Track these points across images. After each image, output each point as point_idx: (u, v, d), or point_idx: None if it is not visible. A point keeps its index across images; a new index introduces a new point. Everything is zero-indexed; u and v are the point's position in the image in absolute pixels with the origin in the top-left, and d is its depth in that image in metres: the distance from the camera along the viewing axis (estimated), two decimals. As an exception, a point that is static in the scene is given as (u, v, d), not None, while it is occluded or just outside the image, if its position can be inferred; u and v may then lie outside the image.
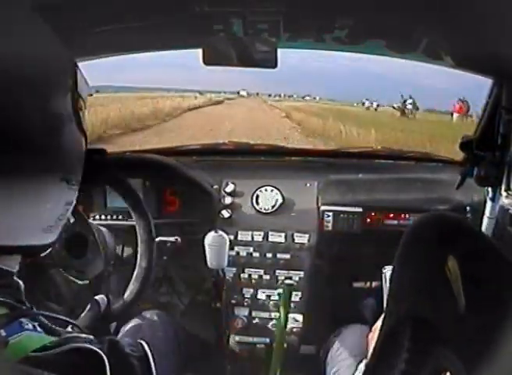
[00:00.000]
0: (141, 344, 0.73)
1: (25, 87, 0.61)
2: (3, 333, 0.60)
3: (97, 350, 0.63)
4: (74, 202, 0.77)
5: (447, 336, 0.69)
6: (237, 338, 1.87)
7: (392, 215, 1.85)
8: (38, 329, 0.66)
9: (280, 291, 1.60)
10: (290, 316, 1.71)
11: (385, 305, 1.46)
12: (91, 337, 0.69)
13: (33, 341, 0.61)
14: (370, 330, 1.55)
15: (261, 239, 1.84)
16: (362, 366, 1.35)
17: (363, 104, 19.99)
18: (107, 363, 0.62)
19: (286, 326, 1.65)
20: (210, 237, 1.59)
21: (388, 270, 1.51)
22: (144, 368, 0.70)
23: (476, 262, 0.70)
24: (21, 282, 0.75)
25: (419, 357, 0.75)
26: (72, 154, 0.72)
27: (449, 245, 0.72)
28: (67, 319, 0.77)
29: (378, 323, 1.40)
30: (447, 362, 0.70)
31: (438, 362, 0.73)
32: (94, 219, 1.55)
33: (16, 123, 0.61)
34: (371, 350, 1.38)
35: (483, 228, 1.58)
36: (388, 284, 1.46)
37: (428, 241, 0.78)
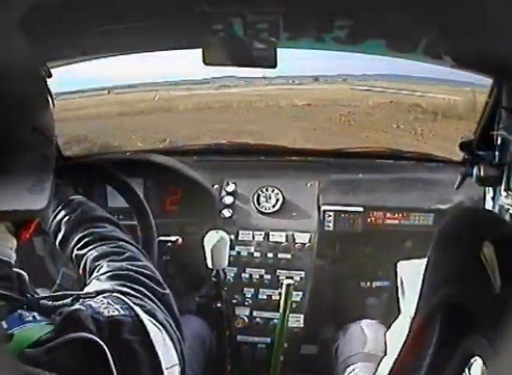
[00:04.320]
0: (140, 320, 0.69)
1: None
2: (5, 325, 0.59)
3: (97, 339, 0.61)
4: (54, 159, 0.76)
5: (479, 321, 0.72)
6: (238, 338, 1.87)
7: (393, 214, 1.86)
8: (38, 318, 0.64)
9: (281, 290, 1.60)
10: (291, 315, 1.71)
11: (400, 299, 1.48)
12: (90, 324, 0.64)
13: (33, 332, 0.60)
14: (378, 325, 1.57)
15: (261, 239, 1.85)
16: (385, 361, 1.35)
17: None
18: (108, 353, 0.60)
19: (286, 325, 1.65)
20: (210, 237, 1.59)
21: (403, 266, 1.52)
22: (149, 353, 0.67)
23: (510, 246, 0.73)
24: (25, 274, 0.73)
25: (450, 344, 0.78)
26: (41, 112, 0.72)
27: (484, 234, 0.75)
28: (69, 292, 0.74)
29: (397, 322, 1.42)
30: (478, 347, 0.72)
31: (468, 348, 0.75)
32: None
33: None
34: (391, 345, 1.40)
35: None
36: (402, 279, 1.47)
37: (463, 232, 0.82)
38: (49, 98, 0.76)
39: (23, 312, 0.64)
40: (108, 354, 0.61)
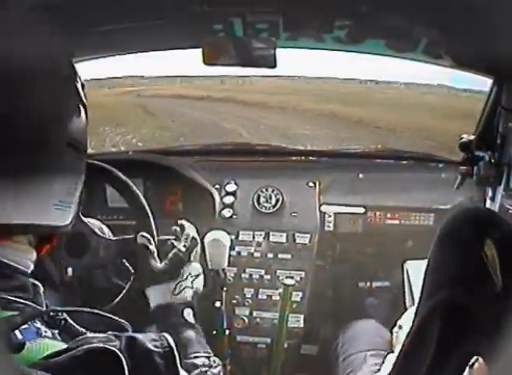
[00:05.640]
0: (165, 336, 0.67)
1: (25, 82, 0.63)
2: (19, 336, 0.58)
3: (113, 348, 0.59)
4: (83, 176, 0.75)
5: (480, 320, 0.72)
6: (238, 338, 1.87)
7: (393, 215, 1.86)
8: (58, 337, 0.63)
9: (281, 291, 1.61)
10: (291, 315, 1.71)
11: (407, 298, 1.48)
12: (110, 336, 0.63)
13: (49, 345, 0.60)
14: (378, 325, 1.57)
15: (262, 239, 1.84)
16: (390, 357, 1.35)
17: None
18: (124, 362, 0.59)
19: (286, 326, 1.65)
20: (210, 237, 1.59)
21: (410, 266, 1.52)
22: (169, 365, 0.64)
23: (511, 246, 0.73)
24: (40, 285, 0.72)
25: (451, 343, 0.79)
26: (75, 125, 0.72)
27: (485, 233, 0.76)
28: (88, 310, 0.73)
29: (403, 319, 1.42)
30: (479, 346, 0.72)
31: (469, 347, 0.75)
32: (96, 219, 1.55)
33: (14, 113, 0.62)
34: (397, 341, 1.40)
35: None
36: (409, 278, 1.48)
37: (465, 232, 0.83)
38: (82, 110, 0.75)
39: (41, 326, 0.63)
40: (125, 365, 0.59)
